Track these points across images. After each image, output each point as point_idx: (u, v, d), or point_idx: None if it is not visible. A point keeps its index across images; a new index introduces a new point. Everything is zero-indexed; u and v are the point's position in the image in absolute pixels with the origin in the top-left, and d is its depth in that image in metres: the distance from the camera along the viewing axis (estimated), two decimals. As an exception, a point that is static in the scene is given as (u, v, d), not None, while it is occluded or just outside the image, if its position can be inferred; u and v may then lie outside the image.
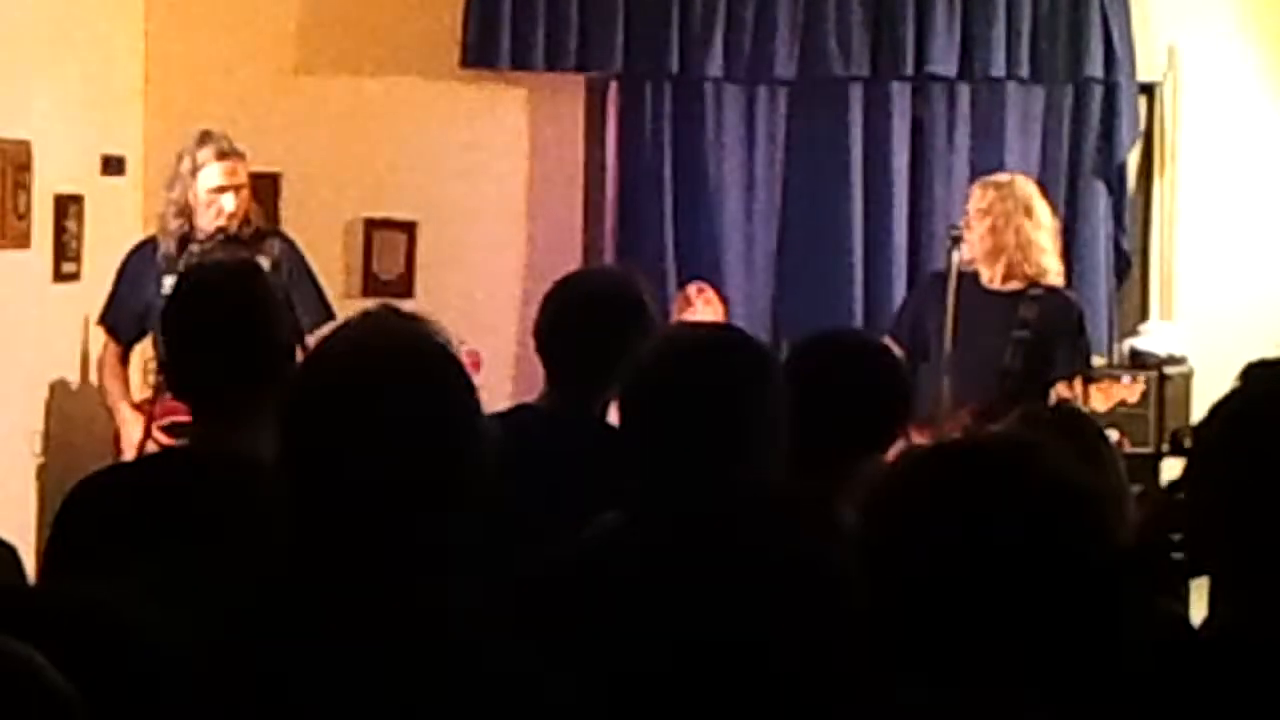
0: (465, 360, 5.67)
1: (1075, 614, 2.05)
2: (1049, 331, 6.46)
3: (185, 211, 6.75)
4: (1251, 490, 2.57)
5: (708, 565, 3.07)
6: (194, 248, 6.66)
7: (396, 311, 2.80)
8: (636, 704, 3.00)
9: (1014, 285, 6.53)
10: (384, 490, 2.45)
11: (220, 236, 6.68)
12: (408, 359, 2.55)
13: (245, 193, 6.81)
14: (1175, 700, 2.47)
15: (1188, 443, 2.75)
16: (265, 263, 6.32)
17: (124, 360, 7.01)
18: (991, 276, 6.54)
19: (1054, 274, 6.62)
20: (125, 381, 6.98)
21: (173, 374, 3.63)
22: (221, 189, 6.73)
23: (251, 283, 3.75)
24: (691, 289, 7.61)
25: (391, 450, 2.45)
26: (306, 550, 2.48)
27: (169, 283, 6.52)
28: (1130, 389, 6.66)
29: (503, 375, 7.33)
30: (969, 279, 6.49)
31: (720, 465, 3.12)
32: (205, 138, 6.82)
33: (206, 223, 6.72)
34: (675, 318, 7.44)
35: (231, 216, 6.72)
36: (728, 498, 3.12)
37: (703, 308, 7.49)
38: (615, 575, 3.13)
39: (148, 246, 6.92)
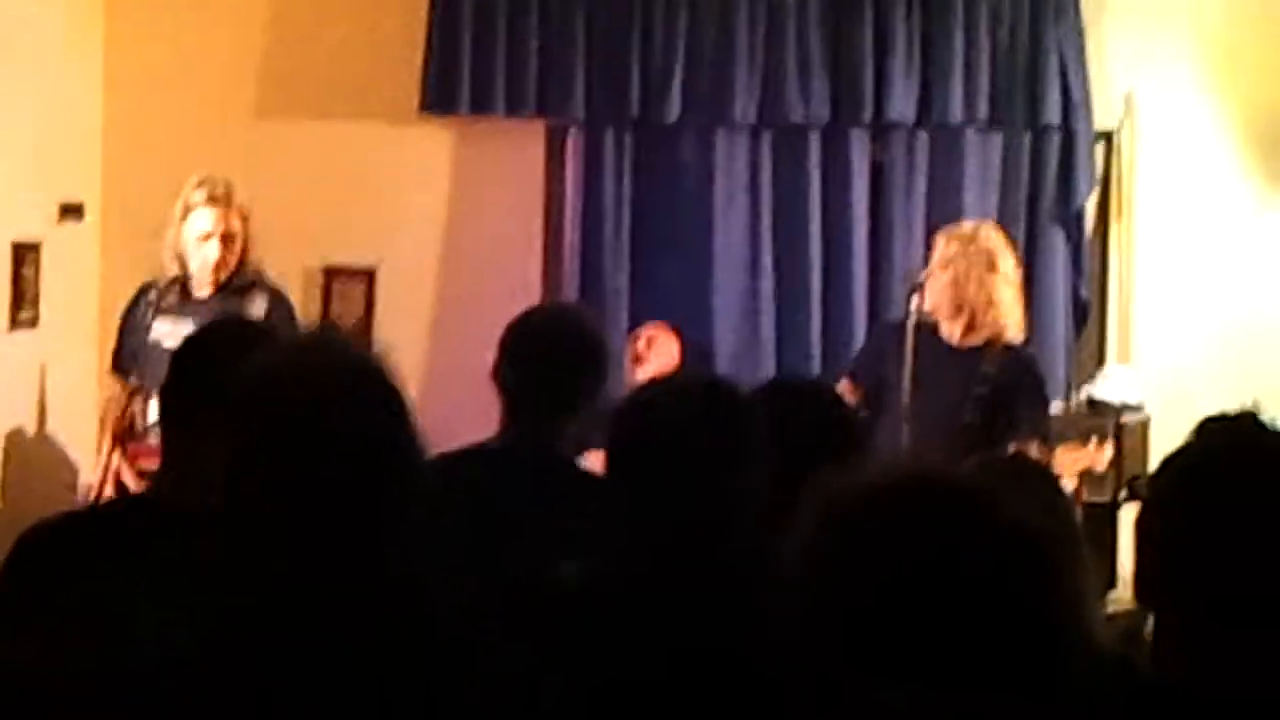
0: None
1: (1028, 658, 2.03)
2: (1009, 389, 6.39)
3: (179, 256, 6.63)
4: (1199, 544, 2.59)
5: (693, 614, 3.09)
6: (184, 298, 6.55)
7: (337, 331, 2.82)
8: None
9: (973, 341, 6.44)
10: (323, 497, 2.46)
11: (209, 289, 6.57)
12: (343, 375, 2.57)
13: (237, 242, 6.64)
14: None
15: (1144, 491, 2.77)
16: (255, 311, 6.33)
17: (131, 395, 6.66)
18: (951, 331, 6.45)
19: (1014, 330, 6.54)
20: (123, 421, 6.61)
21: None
22: (207, 235, 6.61)
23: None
24: (640, 340, 7.59)
25: (325, 457, 2.47)
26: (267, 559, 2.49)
27: (158, 327, 6.52)
28: (1097, 456, 6.59)
29: (462, 420, 7.31)
30: (928, 330, 6.43)
31: (708, 515, 3.14)
32: (202, 182, 6.69)
33: (195, 269, 6.61)
34: (629, 367, 7.45)
35: (218, 267, 6.59)
36: (714, 547, 3.14)
37: (654, 358, 7.48)
38: (594, 621, 3.15)
39: (144, 291, 6.75)
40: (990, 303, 6.42)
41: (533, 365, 4.20)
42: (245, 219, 6.70)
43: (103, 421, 6.86)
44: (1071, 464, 6.43)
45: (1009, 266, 6.54)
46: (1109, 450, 6.67)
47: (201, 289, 6.59)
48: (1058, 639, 2.05)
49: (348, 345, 2.70)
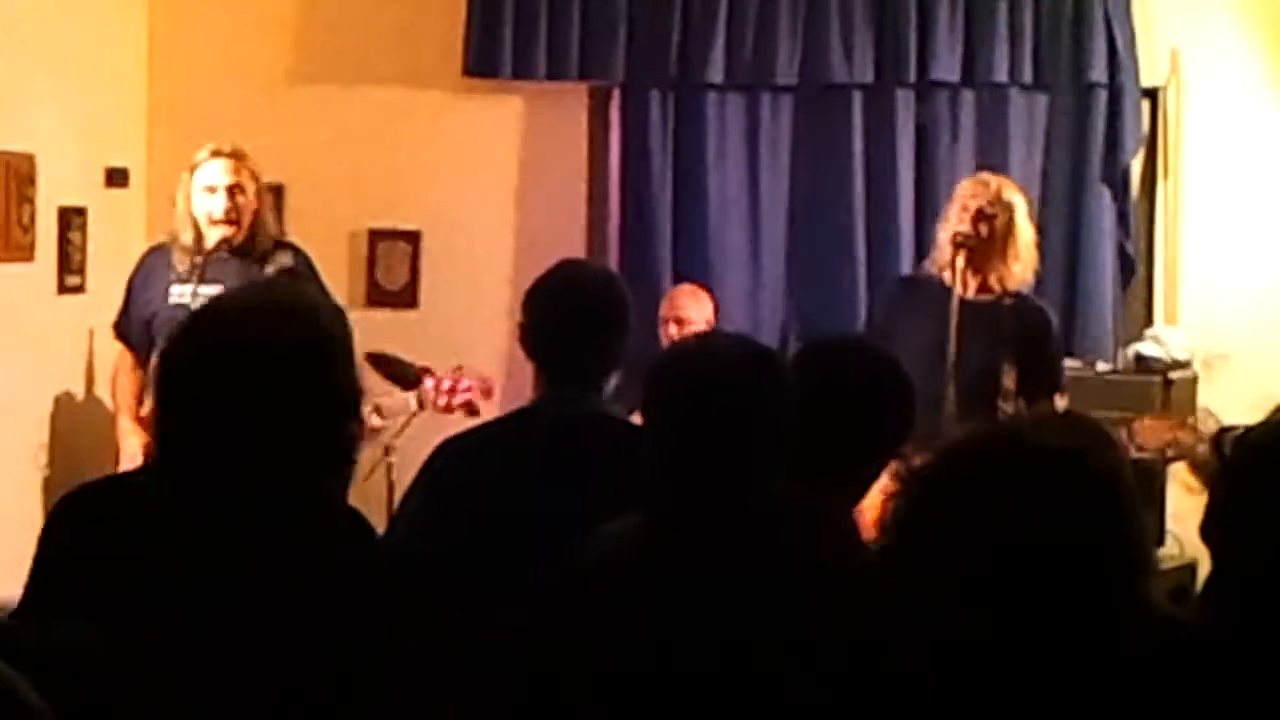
0: (477, 390, 5.65)
1: (1103, 607, 2.03)
2: (1035, 344, 6.37)
3: (190, 216, 6.50)
4: (1254, 524, 2.61)
5: (727, 567, 3.09)
6: (198, 259, 6.43)
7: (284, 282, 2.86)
8: (651, 706, 3.01)
9: (987, 294, 6.40)
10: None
11: (225, 249, 6.45)
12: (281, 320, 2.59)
13: (245, 199, 6.50)
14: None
15: (1228, 450, 2.78)
16: (285, 260, 6.29)
17: (141, 365, 6.61)
18: (965, 283, 6.37)
19: (1024, 279, 6.50)
20: (135, 390, 6.66)
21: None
22: (211, 188, 6.47)
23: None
24: (672, 304, 7.54)
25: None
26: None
27: (176, 292, 6.49)
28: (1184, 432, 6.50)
29: (508, 380, 7.34)
30: (939, 285, 6.39)
31: (739, 471, 3.14)
32: (211, 147, 6.61)
33: (204, 223, 6.47)
34: (663, 329, 7.42)
35: (227, 222, 6.44)
36: (746, 502, 3.14)
37: (688, 320, 7.43)
38: (635, 576, 3.16)
39: (160, 251, 6.68)
40: (1010, 256, 6.38)
41: (554, 328, 4.20)
42: (257, 179, 6.59)
43: (114, 390, 6.85)
44: (1154, 436, 6.36)
45: (1028, 220, 6.51)
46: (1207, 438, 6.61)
47: (212, 242, 6.44)
48: (1135, 595, 2.06)
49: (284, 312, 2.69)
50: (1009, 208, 6.45)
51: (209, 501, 2.57)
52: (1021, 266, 6.46)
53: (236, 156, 6.55)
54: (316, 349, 2.63)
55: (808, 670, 2.93)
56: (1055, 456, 2.08)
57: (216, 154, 6.53)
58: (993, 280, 6.40)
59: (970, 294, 6.38)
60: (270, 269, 6.35)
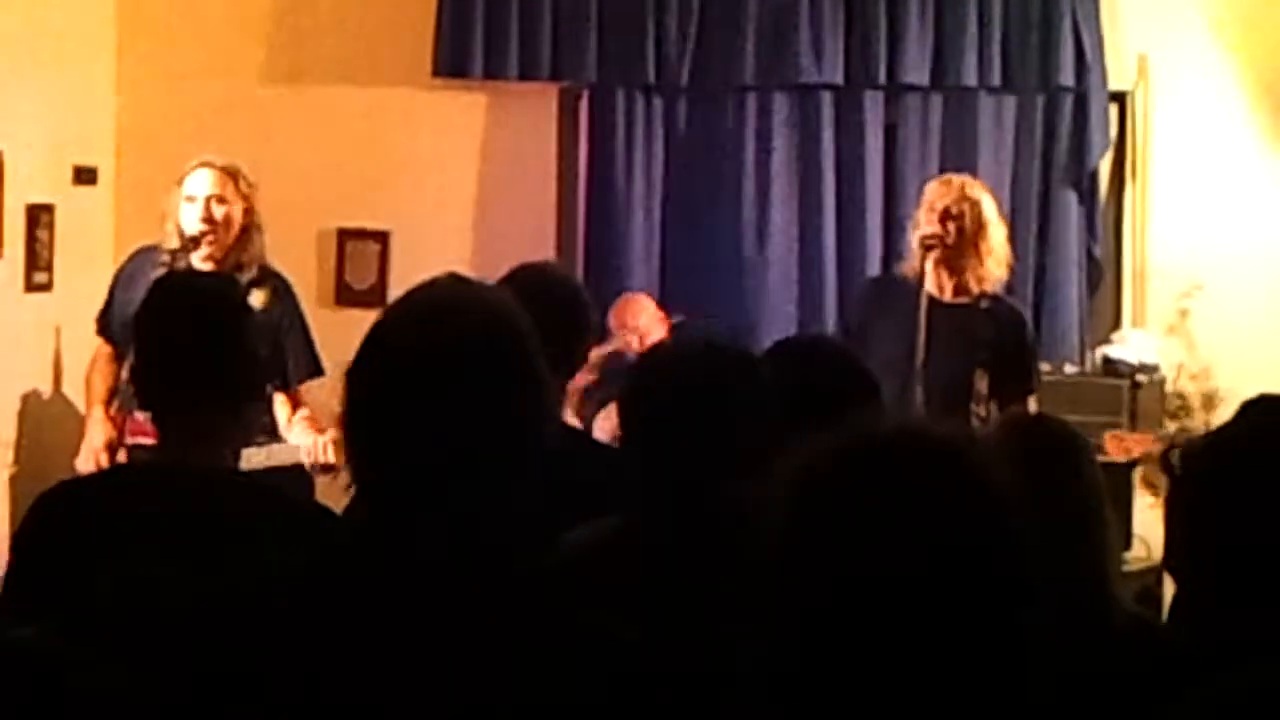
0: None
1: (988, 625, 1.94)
2: (1010, 346, 6.37)
3: (177, 226, 6.32)
4: (1230, 519, 2.61)
5: (712, 569, 3.09)
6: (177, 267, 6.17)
7: (463, 281, 2.79)
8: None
9: (962, 296, 6.38)
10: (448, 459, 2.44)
11: (209, 263, 6.26)
12: (477, 331, 2.55)
13: (227, 212, 6.33)
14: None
15: (1177, 466, 2.79)
16: (257, 302, 6.14)
17: (119, 360, 6.38)
18: (939, 285, 6.37)
19: (998, 281, 6.49)
20: (109, 383, 6.46)
21: (142, 383, 3.60)
22: (191, 198, 6.32)
23: (226, 295, 3.74)
24: (626, 316, 7.54)
25: (457, 418, 2.45)
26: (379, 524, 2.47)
27: None
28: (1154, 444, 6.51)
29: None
30: (913, 286, 6.35)
31: (718, 473, 3.15)
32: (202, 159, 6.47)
33: (188, 231, 6.29)
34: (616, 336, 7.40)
35: (209, 226, 6.27)
36: (731, 504, 3.14)
37: (636, 327, 7.42)
38: (615, 581, 3.16)
39: (146, 253, 6.50)
40: (984, 254, 6.38)
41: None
42: (248, 199, 6.41)
43: (88, 380, 6.75)
44: (1122, 449, 6.37)
45: (997, 216, 6.51)
46: (1163, 443, 6.62)
47: (197, 254, 6.27)
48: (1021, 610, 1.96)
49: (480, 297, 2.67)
50: (975, 205, 6.44)
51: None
52: (995, 264, 6.44)
53: (227, 171, 6.40)
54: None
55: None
56: (925, 456, 1.95)
57: (204, 165, 6.40)
58: (969, 281, 6.38)
59: (946, 296, 6.38)
60: (255, 300, 6.24)
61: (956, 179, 6.69)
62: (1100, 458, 6.18)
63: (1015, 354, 6.38)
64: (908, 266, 6.51)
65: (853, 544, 1.88)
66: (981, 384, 6.24)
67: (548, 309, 4.17)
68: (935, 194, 6.50)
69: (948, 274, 6.38)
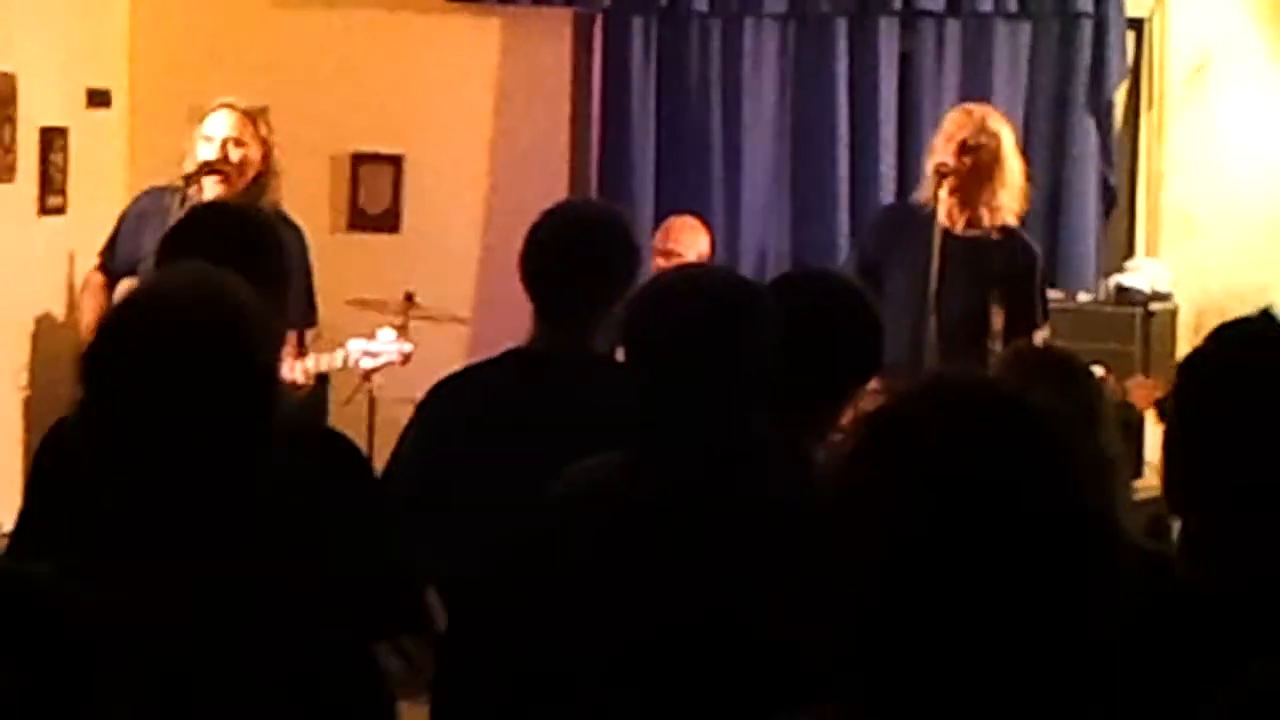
0: (398, 359, 5.74)
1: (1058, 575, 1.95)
2: (1022, 279, 6.33)
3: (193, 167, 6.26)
4: (1218, 445, 2.61)
5: (707, 505, 3.09)
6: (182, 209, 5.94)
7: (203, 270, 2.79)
8: (630, 664, 3.03)
9: (975, 228, 6.29)
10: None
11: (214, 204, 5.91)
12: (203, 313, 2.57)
13: (243, 154, 6.30)
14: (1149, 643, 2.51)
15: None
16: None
17: (109, 289, 6.47)
18: (954, 217, 6.29)
19: (1013, 213, 6.41)
20: (98, 311, 6.31)
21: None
22: (209, 138, 6.28)
23: (255, 221, 3.72)
24: (667, 235, 7.52)
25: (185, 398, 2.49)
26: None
27: None
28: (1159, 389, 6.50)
29: (492, 305, 7.34)
30: (926, 218, 6.26)
31: (720, 404, 3.15)
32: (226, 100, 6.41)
33: (203, 178, 6.24)
34: (655, 260, 7.43)
35: (215, 172, 6.21)
36: (728, 440, 3.14)
37: (682, 251, 7.41)
38: (609, 515, 3.16)
39: (157, 196, 6.42)
40: (998, 187, 6.32)
41: (554, 267, 4.18)
42: (267, 142, 6.38)
43: (80, 311, 6.69)
44: (1144, 395, 6.33)
45: (1015, 150, 6.44)
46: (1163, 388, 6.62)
47: (207, 194, 6.19)
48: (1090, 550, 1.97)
49: (205, 299, 2.67)
50: (995, 137, 6.36)
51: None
52: (1010, 198, 6.35)
53: (245, 112, 6.36)
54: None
55: (785, 609, 2.94)
56: (993, 402, 1.96)
57: (224, 106, 6.36)
58: (982, 214, 6.30)
59: (958, 228, 6.29)
60: None
61: (978, 110, 6.58)
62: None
63: (1024, 289, 6.33)
64: (920, 195, 6.45)
65: (927, 498, 1.89)
66: (997, 319, 6.20)
67: (579, 248, 4.19)
68: (955, 124, 6.42)
69: (960, 205, 6.31)
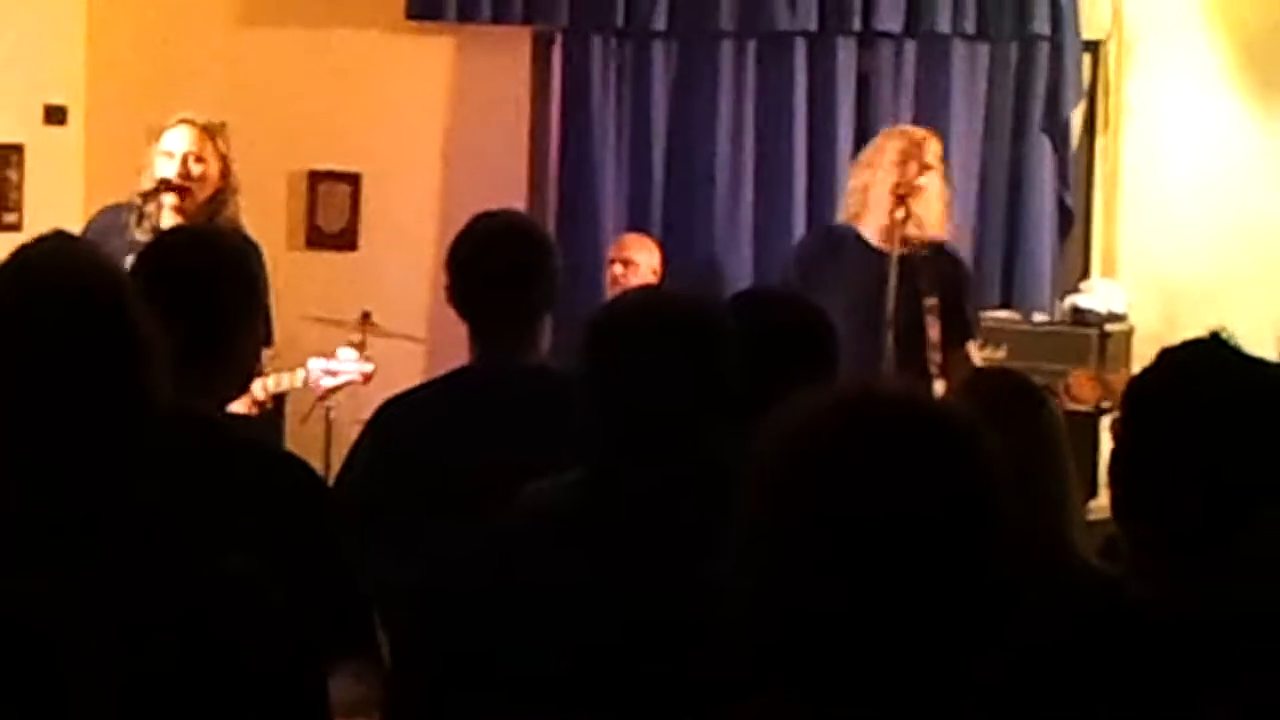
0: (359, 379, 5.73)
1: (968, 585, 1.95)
2: (954, 293, 6.36)
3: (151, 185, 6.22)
4: (1164, 463, 2.64)
5: (666, 524, 3.09)
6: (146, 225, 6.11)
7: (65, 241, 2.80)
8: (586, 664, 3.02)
9: (905, 249, 6.25)
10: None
11: (174, 216, 6.14)
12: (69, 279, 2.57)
13: (203, 171, 6.24)
14: (1091, 663, 2.52)
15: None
16: None
17: None
18: (882, 234, 6.30)
19: (938, 227, 6.42)
20: None
21: None
22: (169, 153, 6.23)
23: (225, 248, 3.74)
24: (619, 256, 7.55)
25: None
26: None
27: (130, 262, 6.33)
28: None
29: (450, 331, 7.33)
30: (855, 237, 6.35)
31: (680, 423, 3.15)
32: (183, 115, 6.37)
33: (161, 195, 6.19)
34: (609, 280, 7.46)
35: (177, 189, 6.16)
36: (688, 457, 3.14)
37: (634, 272, 7.45)
38: (567, 534, 3.15)
39: (113, 211, 6.35)
40: (937, 205, 6.36)
41: (477, 284, 4.21)
42: (226, 159, 6.33)
43: None
44: (1088, 389, 6.38)
45: (939, 163, 6.48)
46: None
47: (164, 213, 6.16)
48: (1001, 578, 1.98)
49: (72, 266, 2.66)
50: (938, 156, 6.45)
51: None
52: (940, 216, 6.42)
53: (204, 128, 6.32)
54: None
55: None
56: (903, 423, 1.97)
57: (184, 122, 6.31)
58: (911, 230, 6.35)
59: (887, 243, 6.29)
60: None
61: (917, 129, 6.67)
62: (1071, 399, 6.27)
63: (959, 300, 6.37)
64: (850, 217, 6.45)
65: (842, 498, 1.91)
66: (933, 330, 6.23)
67: (502, 259, 4.21)
68: (906, 143, 6.45)
69: (890, 224, 6.34)
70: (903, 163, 6.34)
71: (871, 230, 6.35)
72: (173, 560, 2.47)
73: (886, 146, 6.48)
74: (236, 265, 3.60)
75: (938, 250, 6.41)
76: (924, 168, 6.36)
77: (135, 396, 2.50)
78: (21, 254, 2.63)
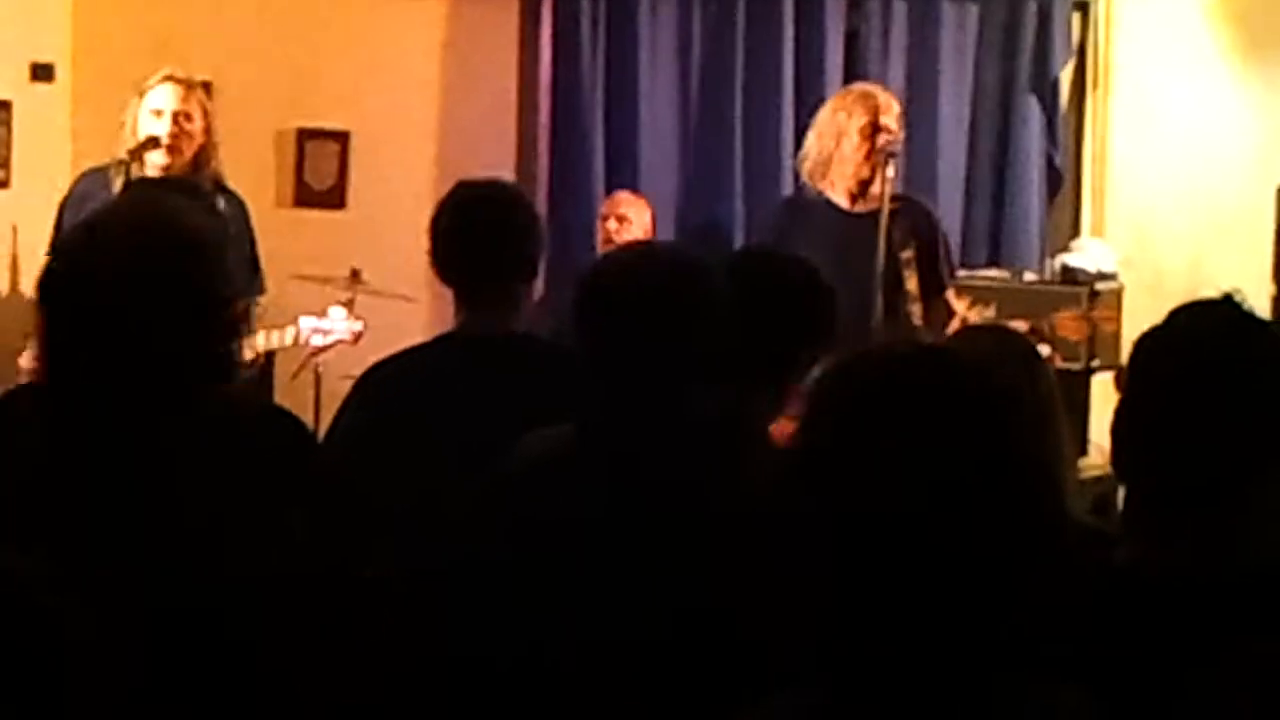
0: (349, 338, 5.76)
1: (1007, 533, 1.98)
2: (928, 244, 6.36)
3: (134, 141, 6.22)
4: (1168, 420, 2.63)
5: (657, 476, 3.10)
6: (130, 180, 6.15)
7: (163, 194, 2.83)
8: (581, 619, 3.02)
9: (870, 205, 6.25)
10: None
11: (160, 175, 6.19)
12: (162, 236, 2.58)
13: (191, 128, 6.27)
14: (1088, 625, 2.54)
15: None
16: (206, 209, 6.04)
17: None
18: (851, 195, 6.31)
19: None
20: None
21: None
22: (158, 111, 6.24)
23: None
24: (611, 215, 7.54)
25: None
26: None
27: None
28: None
29: (440, 290, 7.31)
30: (822, 203, 6.33)
31: (670, 378, 3.15)
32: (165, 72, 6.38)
33: (148, 152, 6.21)
34: (601, 239, 7.45)
35: (169, 149, 6.20)
36: (676, 412, 3.14)
37: (626, 229, 7.45)
38: (562, 485, 3.16)
39: (96, 177, 6.38)
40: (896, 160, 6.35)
41: (460, 251, 4.22)
42: (208, 113, 6.38)
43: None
44: (1074, 326, 6.40)
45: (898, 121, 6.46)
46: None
47: (151, 168, 6.21)
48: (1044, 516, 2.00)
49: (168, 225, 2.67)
50: (898, 117, 6.43)
51: (101, 414, 2.56)
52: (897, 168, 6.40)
53: (189, 85, 6.36)
54: (186, 258, 2.61)
55: (736, 584, 2.94)
56: (952, 374, 1.98)
57: (168, 79, 6.33)
58: (872, 187, 6.31)
59: (858, 207, 6.31)
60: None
61: (874, 90, 6.60)
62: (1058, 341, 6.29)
63: (932, 249, 6.36)
64: (815, 182, 6.41)
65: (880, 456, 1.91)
66: (910, 282, 6.23)
67: (484, 226, 4.22)
68: (882, 104, 6.43)
69: (857, 184, 6.34)
70: (874, 133, 6.31)
71: (840, 193, 6.33)
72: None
73: (854, 111, 6.42)
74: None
75: (907, 203, 6.40)
76: (890, 131, 6.34)
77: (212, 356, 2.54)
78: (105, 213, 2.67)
